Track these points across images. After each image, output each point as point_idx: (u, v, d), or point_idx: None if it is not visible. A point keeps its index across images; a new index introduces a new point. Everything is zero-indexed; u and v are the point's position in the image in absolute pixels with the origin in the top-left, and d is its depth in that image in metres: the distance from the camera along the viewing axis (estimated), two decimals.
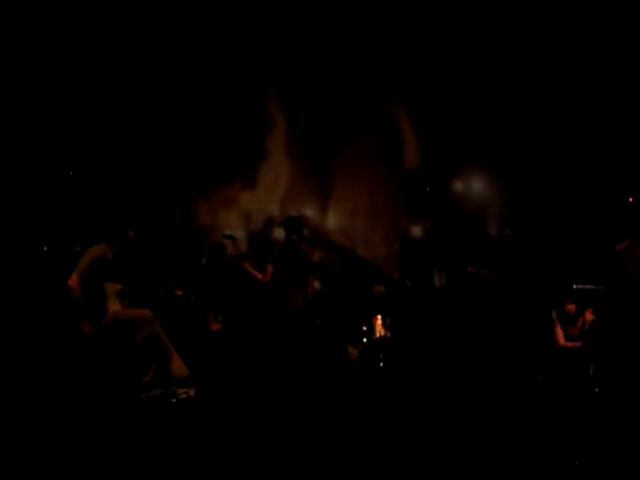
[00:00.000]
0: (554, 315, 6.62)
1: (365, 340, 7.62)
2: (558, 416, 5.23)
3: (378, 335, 7.64)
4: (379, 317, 7.86)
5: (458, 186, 10.31)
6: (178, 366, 6.00)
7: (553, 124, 8.96)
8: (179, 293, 6.58)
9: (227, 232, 8.11)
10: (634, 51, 8.38)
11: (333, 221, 9.95)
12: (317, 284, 8.15)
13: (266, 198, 9.33)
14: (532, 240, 8.45)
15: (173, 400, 5.80)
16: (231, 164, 9.00)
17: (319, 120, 9.58)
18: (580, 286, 6.67)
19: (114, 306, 6.01)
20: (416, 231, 10.72)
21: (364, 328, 7.72)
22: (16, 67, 7.98)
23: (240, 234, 8.74)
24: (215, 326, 7.00)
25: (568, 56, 8.69)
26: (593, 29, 8.49)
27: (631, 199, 8.67)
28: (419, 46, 9.34)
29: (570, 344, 6.42)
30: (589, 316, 6.52)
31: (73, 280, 5.72)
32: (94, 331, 5.80)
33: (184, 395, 5.88)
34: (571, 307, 6.52)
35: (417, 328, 7.94)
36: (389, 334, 7.65)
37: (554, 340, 6.53)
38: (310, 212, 9.69)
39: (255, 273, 7.06)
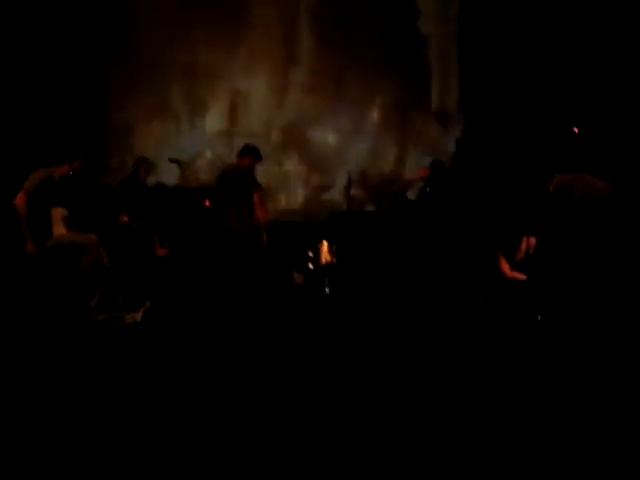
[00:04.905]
0: (498, 250, 6.64)
1: (311, 266, 7.70)
2: (502, 343, 5.46)
3: (324, 261, 7.72)
4: (325, 243, 7.91)
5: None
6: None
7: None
8: (125, 219, 6.52)
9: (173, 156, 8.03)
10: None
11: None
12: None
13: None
14: (475, 172, 8.56)
15: (119, 325, 5.85)
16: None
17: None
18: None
19: (59, 230, 5.98)
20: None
21: (310, 254, 7.79)
22: None
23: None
24: (161, 251, 7.00)
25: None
26: None
27: (576, 129, 8.78)
28: None
29: (518, 275, 6.47)
30: (533, 241, 6.37)
31: (20, 198, 5.71)
32: (38, 253, 5.77)
33: (131, 320, 5.94)
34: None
35: (361, 254, 8.07)
36: (335, 260, 7.74)
37: (500, 272, 6.60)
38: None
39: None
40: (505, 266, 6.49)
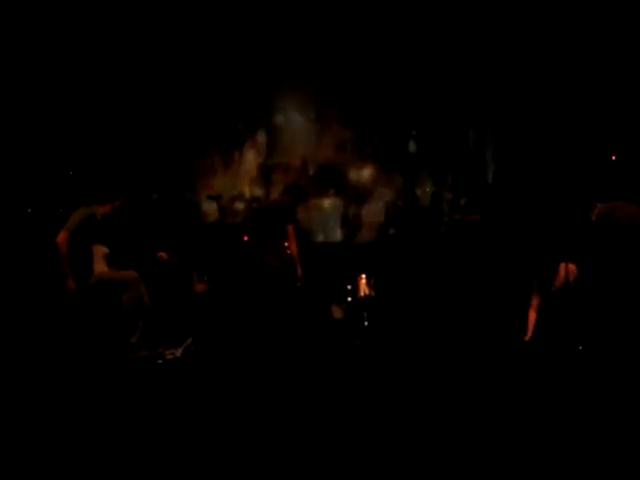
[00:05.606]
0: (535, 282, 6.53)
1: (349, 299, 7.66)
2: (543, 373, 5.35)
3: (362, 294, 7.67)
4: (363, 276, 7.87)
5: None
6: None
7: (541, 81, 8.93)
8: (164, 256, 6.58)
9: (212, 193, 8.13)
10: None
11: None
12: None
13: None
14: (515, 202, 8.47)
15: (159, 361, 5.88)
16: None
17: None
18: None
19: (101, 268, 6.07)
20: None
21: (348, 287, 7.76)
22: None
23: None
24: (200, 287, 7.04)
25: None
26: None
27: (614, 157, 8.66)
28: None
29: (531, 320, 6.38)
30: (572, 267, 6.16)
31: (62, 236, 5.78)
32: (79, 290, 5.85)
33: (170, 356, 5.97)
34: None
35: (402, 285, 8.02)
36: (373, 293, 7.68)
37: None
38: None
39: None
40: (532, 309, 6.36)
